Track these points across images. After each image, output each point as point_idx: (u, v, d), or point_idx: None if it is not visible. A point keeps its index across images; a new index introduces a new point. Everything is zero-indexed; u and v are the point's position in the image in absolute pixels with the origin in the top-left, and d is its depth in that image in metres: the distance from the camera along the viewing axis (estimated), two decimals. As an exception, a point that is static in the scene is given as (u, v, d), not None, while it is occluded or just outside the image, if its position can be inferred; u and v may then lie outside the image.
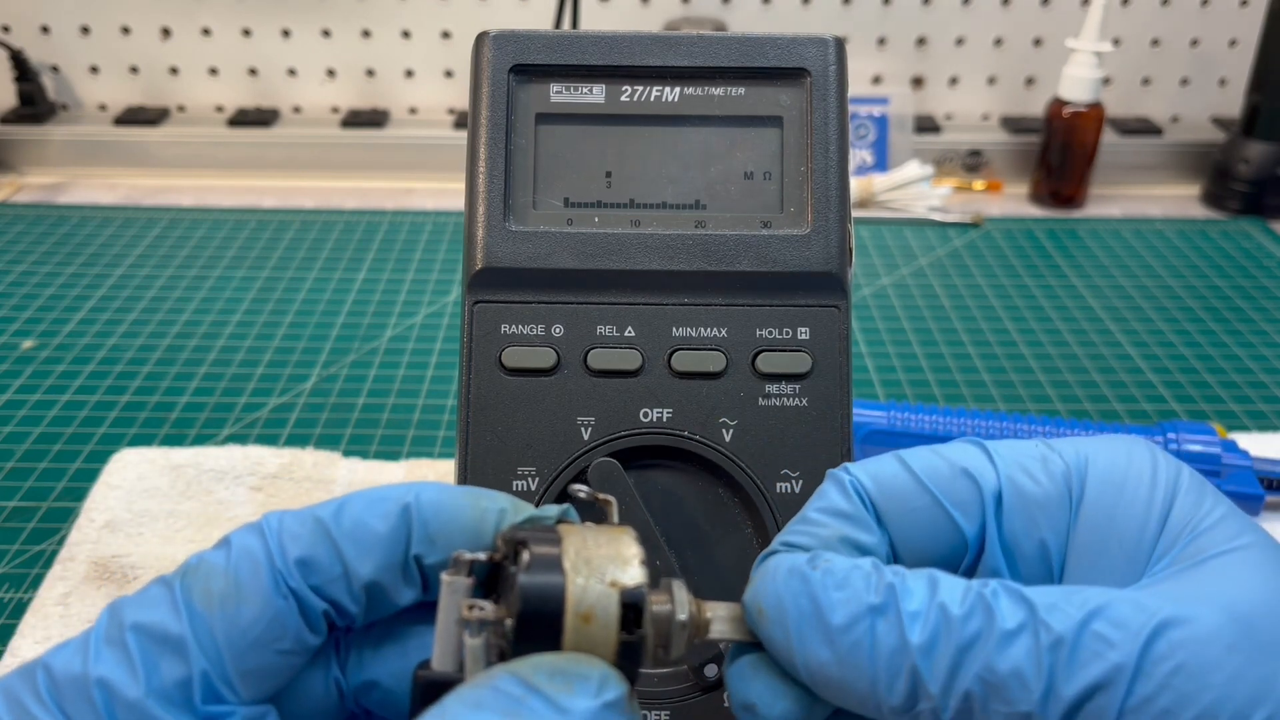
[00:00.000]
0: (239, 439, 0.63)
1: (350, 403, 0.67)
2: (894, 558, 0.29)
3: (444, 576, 0.26)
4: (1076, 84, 0.92)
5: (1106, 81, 0.97)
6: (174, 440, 0.63)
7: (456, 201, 0.97)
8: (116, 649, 0.26)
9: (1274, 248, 0.90)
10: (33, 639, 0.48)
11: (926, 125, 1.04)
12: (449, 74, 1.05)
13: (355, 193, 1.00)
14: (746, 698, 0.27)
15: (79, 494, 0.58)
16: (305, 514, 0.28)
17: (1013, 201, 0.99)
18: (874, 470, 0.29)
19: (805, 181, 0.38)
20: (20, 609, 0.50)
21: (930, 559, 0.28)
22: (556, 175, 0.38)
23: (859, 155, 1.00)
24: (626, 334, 0.37)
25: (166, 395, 0.68)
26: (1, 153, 1.01)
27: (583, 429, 0.37)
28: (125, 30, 1.03)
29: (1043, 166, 0.97)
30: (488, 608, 0.25)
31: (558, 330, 0.37)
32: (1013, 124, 1.04)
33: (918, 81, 1.06)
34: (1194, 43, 1.04)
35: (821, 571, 0.26)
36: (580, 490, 0.30)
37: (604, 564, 0.25)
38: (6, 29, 1.03)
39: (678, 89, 0.38)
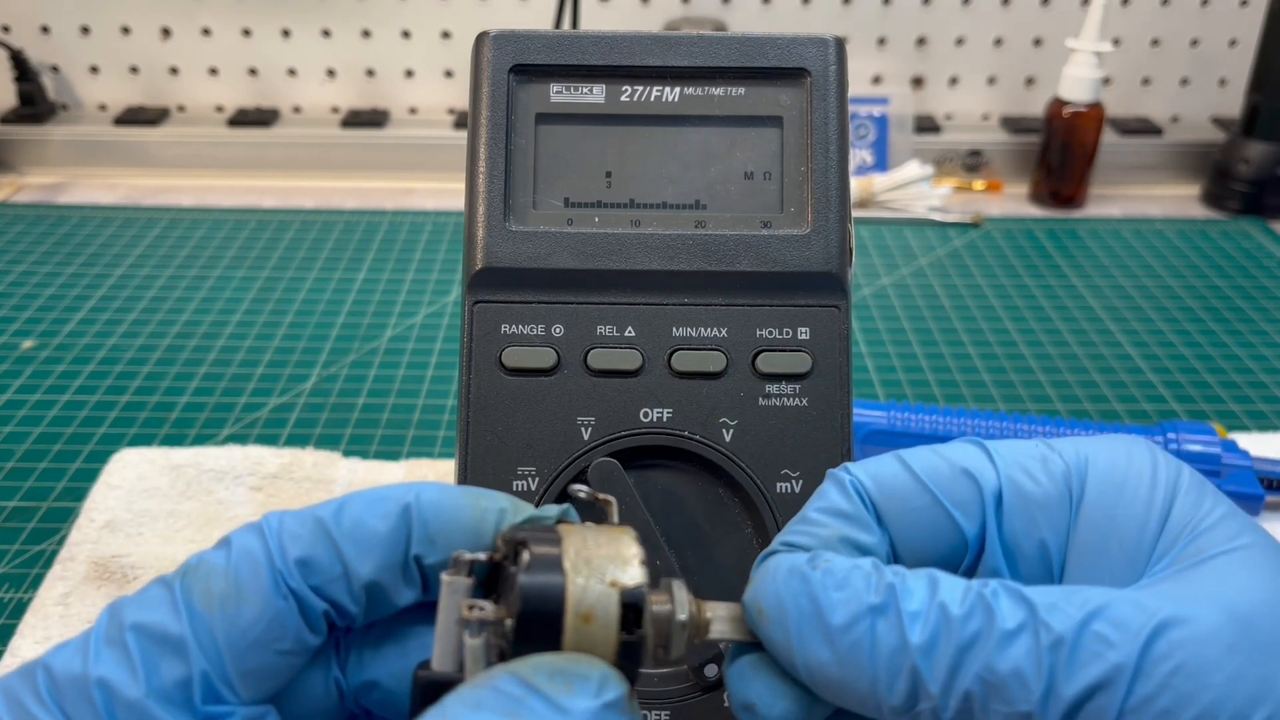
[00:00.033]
0: (239, 439, 0.63)
1: (350, 403, 0.67)
2: (894, 558, 0.29)
3: (444, 576, 0.26)
4: (1076, 84, 0.92)
5: (1106, 81, 0.97)
6: (174, 440, 0.63)
7: (456, 201, 0.97)
8: (116, 649, 0.26)
9: (1274, 248, 0.90)
10: (33, 639, 0.48)
11: (926, 125, 1.04)
12: (449, 74, 1.05)
13: (355, 193, 1.00)
14: (746, 698, 0.27)
15: (79, 494, 0.58)
16: (305, 514, 0.28)
17: (1013, 201, 0.99)
18: (874, 470, 0.29)
19: (805, 181, 0.38)
20: (20, 609, 0.50)
21: (930, 559, 0.28)
22: (556, 175, 0.38)
23: (859, 155, 1.00)
24: (626, 334, 0.37)
25: (166, 395, 0.68)
26: (1, 153, 1.01)
27: (583, 429, 0.37)
28: (125, 30, 1.03)
29: (1043, 166, 0.97)
30: (488, 608, 0.25)
31: (558, 330, 0.37)
32: (1013, 124, 1.04)
33: (918, 81, 1.06)
34: (1194, 43, 1.04)
35: (821, 571, 0.26)
36: (580, 490, 0.30)
37: (604, 564, 0.25)
38: (6, 29, 1.03)
39: (678, 89, 0.38)
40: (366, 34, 1.03)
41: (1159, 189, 1.02)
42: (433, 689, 0.25)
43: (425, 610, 0.28)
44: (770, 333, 0.37)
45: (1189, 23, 1.04)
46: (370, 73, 1.05)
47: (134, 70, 1.05)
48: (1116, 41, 1.03)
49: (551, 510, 0.29)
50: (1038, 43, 1.04)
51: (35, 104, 1.02)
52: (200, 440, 0.63)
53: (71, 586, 0.51)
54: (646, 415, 0.37)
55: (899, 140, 1.00)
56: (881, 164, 1.00)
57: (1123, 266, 0.87)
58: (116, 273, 0.84)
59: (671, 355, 0.37)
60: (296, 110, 1.07)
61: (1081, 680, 0.24)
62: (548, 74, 0.38)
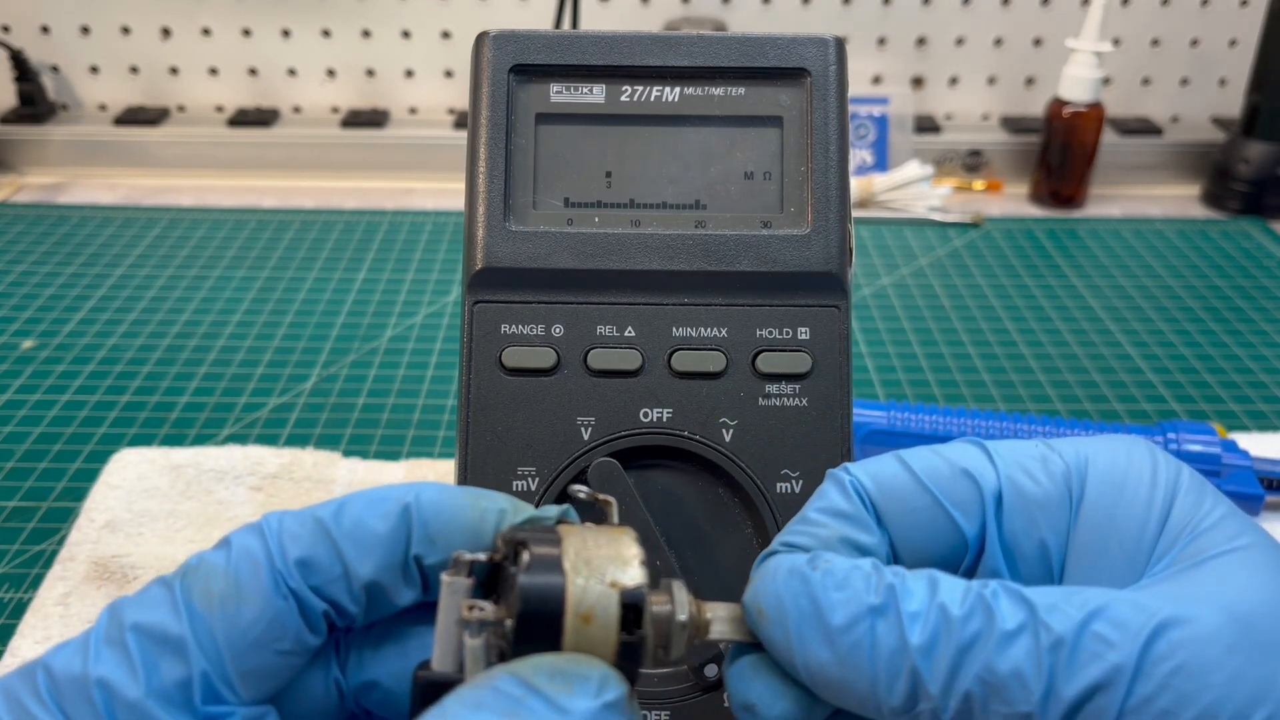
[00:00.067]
0: (239, 439, 0.63)
1: (350, 403, 0.67)
2: (894, 558, 0.29)
3: (444, 577, 0.26)
4: (1076, 84, 0.92)
5: (1106, 81, 0.97)
6: (174, 440, 0.63)
7: (456, 201, 0.97)
8: (116, 649, 0.26)
9: (1274, 248, 0.90)
10: (33, 639, 0.48)
11: (926, 125, 1.04)
12: (449, 74, 1.05)
13: (355, 193, 1.00)
14: (746, 698, 0.27)
15: (79, 494, 0.58)
16: (305, 514, 0.28)
17: (1013, 201, 0.99)
18: (874, 470, 0.29)
19: (805, 181, 0.38)
20: (20, 609, 0.50)
21: (930, 559, 0.28)
22: (556, 175, 0.38)
23: (859, 155, 1.00)
24: (626, 334, 0.37)
25: (166, 395, 0.68)
26: (1, 153, 1.01)
27: (583, 429, 0.37)
28: (125, 30, 1.03)
29: (1043, 166, 0.97)
30: (488, 608, 0.25)
31: (558, 330, 0.37)
32: (1013, 124, 1.04)
33: (918, 81, 1.06)
34: (1194, 43, 1.04)
35: (821, 572, 0.26)
36: (580, 491, 0.30)
37: (604, 564, 0.25)
38: (6, 29, 1.03)
39: (678, 89, 0.38)
40: (366, 34, 1.03)
41: (1159, 189, 1.02)
42: (433, 689, 0.25)
43: (425, 610, 0.28)
44: (770, 333, 0.37)
45: (1189, 23, 1.04)
46: (370, 73, 1.05)
47: (134, 70, 1.05)
48: (1116, 41, 1.03)
49: (551, 510, 0.29)
50: (1038, 43, 1.04)
51: (35, 104, 1.02)
52: (200, 440, 0.63)
53: (71, 586, 0.51)
54: (646, 415, 0.37)
55: (899, 140, 1.00)
56: (881, 164, 1.00)
57: (1123, 266, 0.87)
58: (116, 273, 0.84)
59: (671, 355, 0.37)
60: (296, 110, 1.07)
61: (1081, 681, 0.24)
62: (548, 74, 0.38)
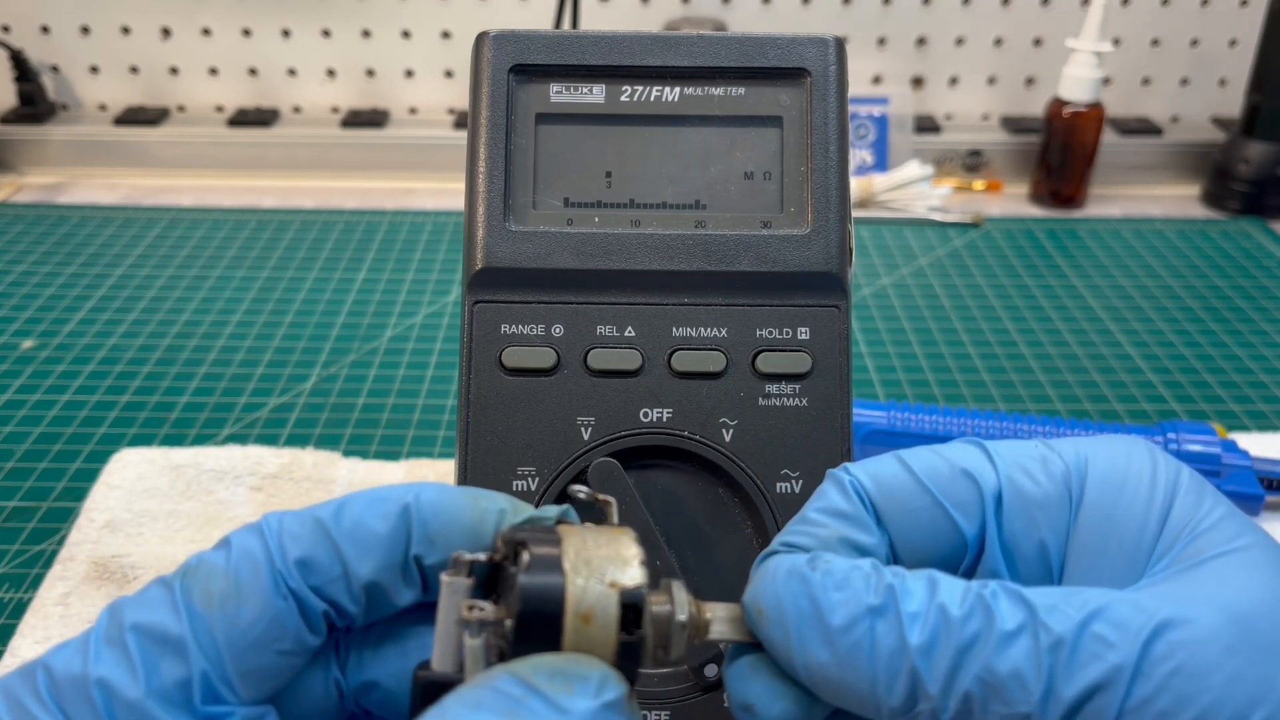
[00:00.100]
0: (239, 439, 0.63)
1: (350, 403, 0.67)
2: (894, 558, 0.29)
3: (444, 577, 0.26)
4: (1076, 84, 0.92)
5: (1106, 81, 0.97)
6: (174, 440, 0.63)
7: (456, 201, 0.97)
8: (116, 649, 0.26)
9: (1274, 248, 0.90)
10: (33, 639, 0.48)
11: (926, 125, 1.04)
12: (449, 74, 1.05)
13: (355, 193, 1.00)
14: (746, 698, 0.27)
15: (79, 494, 0.58)
16: (305, 514, 0.28)
17: (1013, 201, 0.99)
18: (874, 470, 0.29)
19: (805, 181, 0.38)
20: (20, 609, 0.50)
21: (930, 559, 0.28)
22: (556, 175, 0.38)
23: (859, 155, 1.00)
24: (626, 334, 0.37)
25: (166, 395, 0.68)
26: (1, 153, 1.01)
27: (583, 429, 0.37)
28: (125, 30, 1.03)
29: (1043, 166, 0.97)
30: (488, 608, 0.25)
31: (558, 330, 0.37)
32: (1013, 124, 1.04)
33: (918, 81, 1.06)
34: (1194, 43, 1.04)
35: (821, 572, 0.26)
36: (580, 491, 0.30)
37: (604, 564, 0.25)
38: (6, 29, 1.03)
39: (678, 89, 0.38)
40: (366, 34, 1.03)
41: (1159, 189, 1.02)
42: (433, 689, 0.25)
43: (425, 610, 0.28)
44: (770, 333, 0.37)
45: (1189, 23, 1.04)
46: (370, 73, 1.05)
47: (134, 70, 1.05)
48: (1116, 41, 1.03)
49: (551, 511, 0.29)
50: (1038, 43, 1.04)
51: (35, 104, 1.02)
52: (200, 440, 0.63)
53: (71, 586, 0.51)
54: (646, 415, 0.37)
55: (899, 140, 1.00)
56: (881, 164, 1.00)
57: (1123, 266, 0.87)
58: (116, 273, 0.84)
59: (671, 355, 0.37)
60: (296, 110, 1.07)
61: (1081, 681, 0.24)
62: (548, 74, 0.38)
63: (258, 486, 0.57)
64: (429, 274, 0.84)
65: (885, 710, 0.25)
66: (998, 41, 1.04)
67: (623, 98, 0.38)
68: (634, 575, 0.25)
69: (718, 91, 0.38)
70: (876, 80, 1.05)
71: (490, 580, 0.27)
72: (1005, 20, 1.03)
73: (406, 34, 1.03)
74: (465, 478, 0.36)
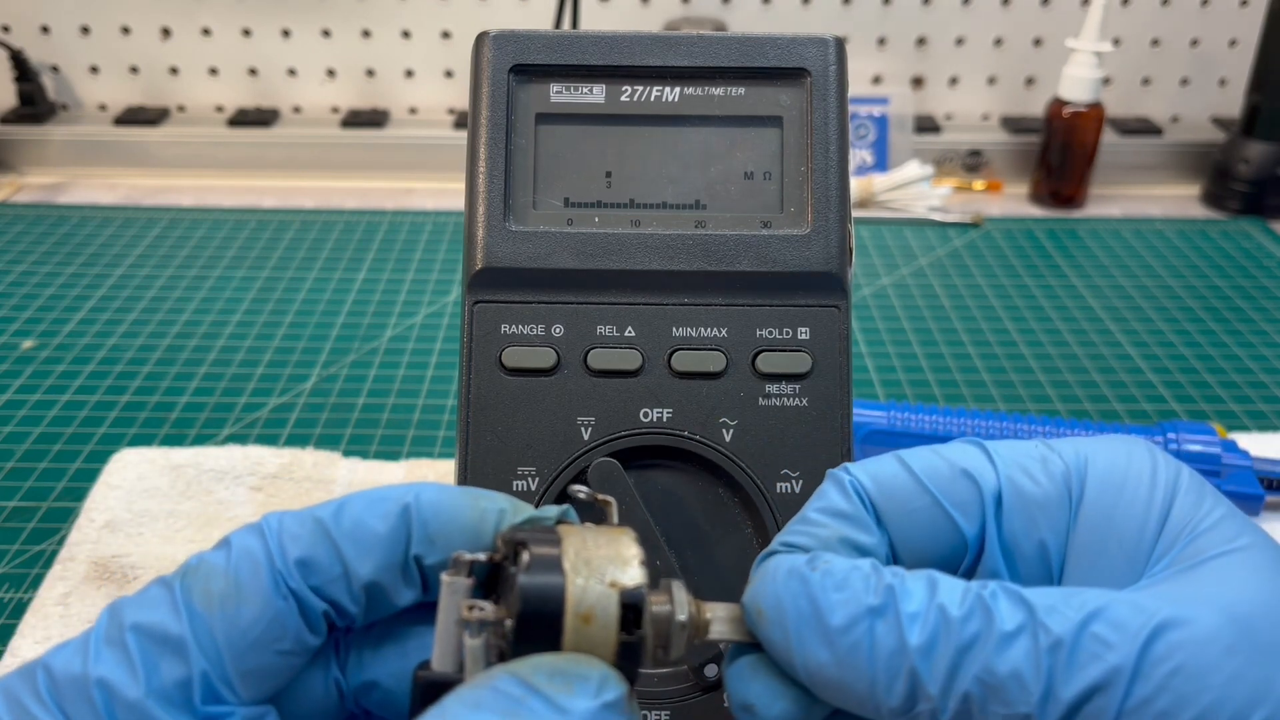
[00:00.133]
0: (239, 439, 0.63)
1: (350, 403, 0.67)
2: (893, 558, 0.29)
3: (444, 577, 0.26)
4: (1076, 84, 0.92)
5: (1106, 81, 0.97)
6: (174, 440, 0.63)
7: (456, 201, 0.97)
8: (116, 649, 0.26)
9: (1274, 248, 0.90)
10: (33, 639, 0.48)
11: (926, 125, 1.04)
12: (449, 74, 1.05)
13: (355, 193, 1.00)
14: (745, 698, 0.27)
15: (79, 494, 0.58)
16: (305, 514, 0.28)
17: (1013, 201, 0.99)
18: (874, 470, 0.29)
19: (805, 181, 0.38)
20: (20, 609, 0.50)
21: (930, 559, 0.29)
22: (556, 175, 0.38)
23: (859, 155, 1.00)
24: (626, 334, 0.37)
25: (166, 395, 0.68)
26: (1, 153, 1.01)
27: (583, 429, 0.37)
28: (125, 30, 1.03)
29: (1043, 166, 0.97)
30: (488, 608, 0.25)
31: (558, 330, 0.37)
32: (1013, 124, 1.04)
33: (918, 81, 1.06)
34: (1194, 43, 1.04)
35: (821, 573, 0.26)
36: (580, 491, 0.30)
37: (604, 564, 0.25)
38: (6, 29, 1.03)
39: (678, 89, 0.38)
40: (366, 34, 1.03)
41: (1159, 189, 1.02)
42: (433, 689, 0.25)
43: (425, 610, 0.28)
44: (770, 333, 0.37)
45: (1189, 23, 1.04)
46: (370, 73, 1.05)
47: (134, 70, 1.05)
48: (1116, 41, 1.03)
49: (551, 511, 0.29)
50: (1038, 43, 1.04)
51: (35, 104, 1.02)
52: (200, 440, 0.63)
53: (71, 586, 0.51)
54: (646, 415, 0.37)
55: (899, 140, 1.00)
56: (881, 164, 1.00)
57: (1123, 266, 0.87)
58: (116, 273, 0.84)
59: (671, 355, 0.37)
60: (296, 110, 1.07)
61: (1080, 682, 0.24)
62: (548, 74, 0.38)
63: (258, 486, 0.57)
64: (429, 274, 0.84)
65: (885, 710, 0.25)
66: (998, 41, 1.04)
67: (623, 98, 0.38)
68: (634, 575, 0.25)
69: (718, 91, 0.38)
70: (876, 80, 1.05)
71: (490, 580, 0.27)
72: (1005, 20, 1.03)
73: (406, 34, 1.03)
74: (465, 478, 0.36)
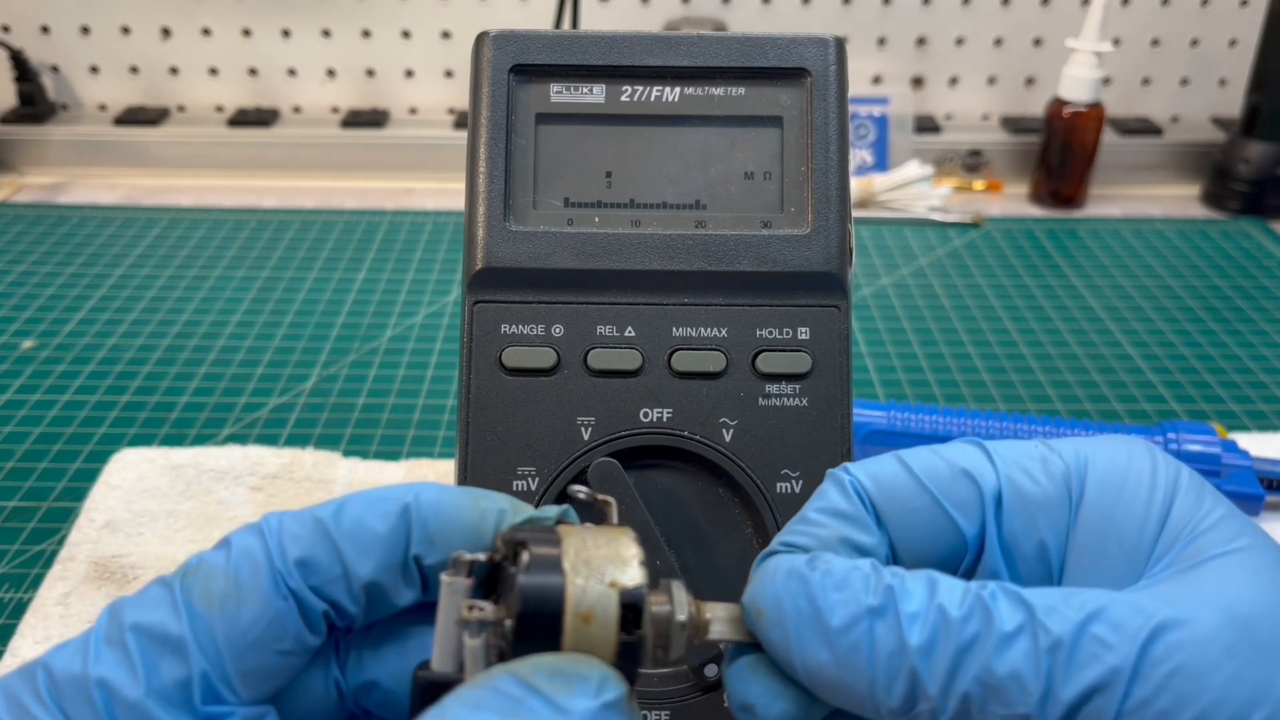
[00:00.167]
0: (239, 439, 0.63)
1: (350, 403, 0.67)
2: (893, 558, 0.29)
3: (444, 577, 0.26)
4: (1076, 84, 0.92)
5: (1106, 81, 0.97)
6: (174, 440, 0.63)
7: (456, 201, 0.97)
8: (116, 649, 0.26)
9: (1274, 248, 0.90)
10: (33, 639, 0.48)
11: (926, 125, 1.04)
12: (449, 74, 1.05)
13: (355, 193, 1.00)
14: (745, 698, 0.27)
15: (79, 494, 0.58)
16: (305, 514, 0.28)
17: (1013, 201, 0.99)
18: (874, 470, 0.29)
19: (805, 181, 0.38)
20: (20, 609, 0.50)
21: (930, 560, 0.29)
22: (556, 175, 0.38)
23: (859, 155, 1.00)
24: (626, 334, 0.37)
25: (166, 395, 0.68)
26: (1, 153, 1.01)
27: (583, 429, 0.37)
28: (125, 30, 1.03)
29: (1043, 166, 0.97)
30: (487, 608, 0.25)
31: (558, 330, 0.37)
32: (1013, 124, 1.04)
33: (918, 81, 1.06)
34: (1194, 43, 1.04)
35: (820, 573, 0.26)
36: (580, 491, 0.30)
37: (603, 564, 0.25)
38: (6, 29, 1.03)
39: (678, 89, 0.38)
40: (366, 34, 1.03)
41: (1159, 189, 1.02)
42: (432, 689, 0.25)
43: (425, 610, 0.28)
44: (770, 333, 0.37)
45: (1189, 23, 1.04)
46: (370, 73, 1.05)
47: (134, 70, 1.05)
48: (1116, 41, 1.03)
49: (551, 511, 0.29)
50: (1038, 43, 1.04)
51: (35, 104, 1.02)
52: (200, 440, 0.63)
53: (71, 586, 0.51)
54: (646, 415, 0.37)
55: (899, 140, 1.00)
56: (881, 164, 1.00)
57: (1123, 266, 0.87)
58: (116, 273, 0.84)
59: (671, 355, 0.37)
60: (296, 110, 1.07)
61: (1079, 682, 0.24)
62: (548, 74, 0.38)
63: (258, 486, 0.57)
64: (429, 274, 0.84)
65: (884, 711, 0.25)
66: (998, 41, 1.04)
67: (623, 98, 0.38)
68: (634, 575, 0.25)
69: (718, 91, 0.38)
70: (876, 80, 1.05)
71: (490, 580, 0.27)
72: (1005, 20, 1.03)
73: (406, 34, 1.03)
74: (465, 478, 0.36)
